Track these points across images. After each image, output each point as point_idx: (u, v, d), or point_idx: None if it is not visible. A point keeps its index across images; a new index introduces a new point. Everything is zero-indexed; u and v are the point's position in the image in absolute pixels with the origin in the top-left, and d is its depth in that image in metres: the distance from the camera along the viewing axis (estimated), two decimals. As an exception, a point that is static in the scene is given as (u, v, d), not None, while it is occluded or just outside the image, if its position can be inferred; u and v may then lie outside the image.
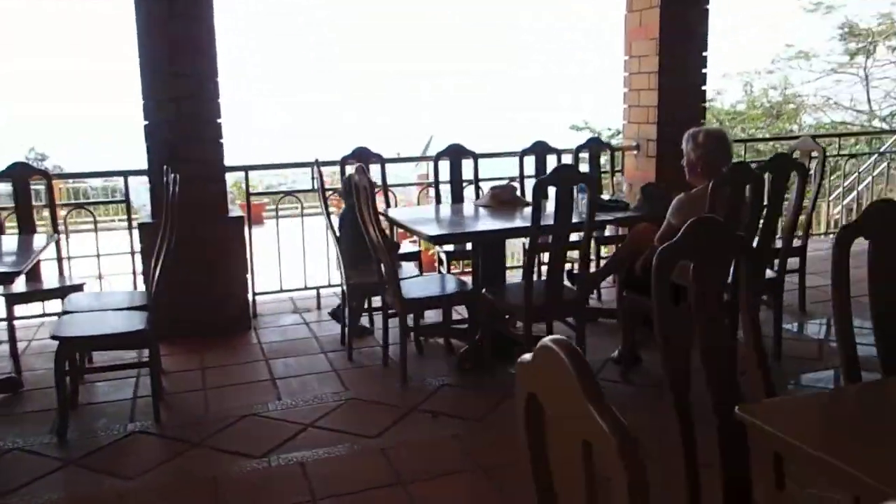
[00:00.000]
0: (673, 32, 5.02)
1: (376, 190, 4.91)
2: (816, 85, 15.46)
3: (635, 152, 5.38)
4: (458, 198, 4.86)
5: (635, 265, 3.48)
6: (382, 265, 3.63)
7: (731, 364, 1.69)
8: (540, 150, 5.01)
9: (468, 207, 4.46)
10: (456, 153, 4.83)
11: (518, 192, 4.46)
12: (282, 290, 5.08)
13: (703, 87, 5.20)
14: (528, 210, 4.03)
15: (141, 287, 4.37)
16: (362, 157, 4.72)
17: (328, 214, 4.08)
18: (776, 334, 3.80)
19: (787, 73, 15.77)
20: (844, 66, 15.47)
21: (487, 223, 3.94)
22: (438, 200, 4.82)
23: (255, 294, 4.80)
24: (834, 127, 14.83)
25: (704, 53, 5.14)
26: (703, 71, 5.17)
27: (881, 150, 8.40)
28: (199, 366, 3.96)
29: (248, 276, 4.65)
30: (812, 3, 15.28)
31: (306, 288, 5.08)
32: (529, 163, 5.06)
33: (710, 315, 1.68)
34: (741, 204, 3.17)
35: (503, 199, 4.21)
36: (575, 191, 3.72)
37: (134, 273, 4.60)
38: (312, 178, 4.93)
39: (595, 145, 5.26)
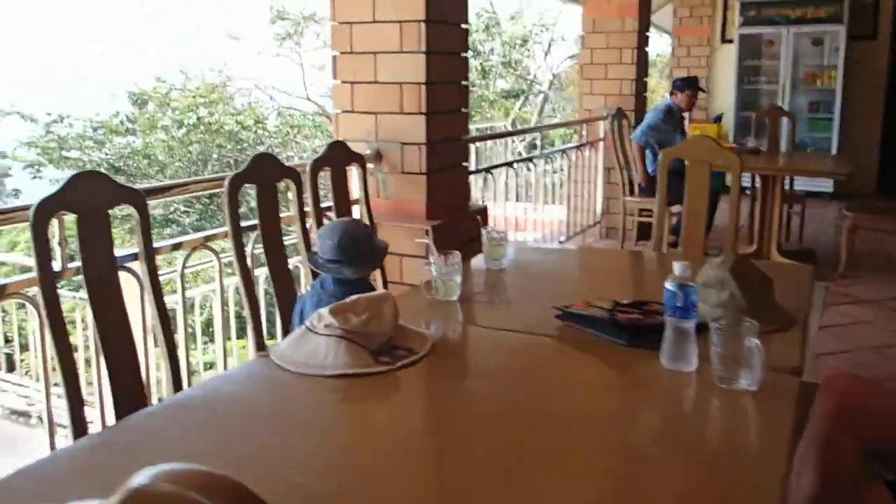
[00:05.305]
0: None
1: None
2: (255, 67, 14.39)
3: (371, 166, 3.01)
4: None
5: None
6: None
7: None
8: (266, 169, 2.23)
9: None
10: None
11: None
12: None
13: (465, 54, 3.15)
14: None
15: None
16: None
17: None
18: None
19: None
20: (277, 49, 14.86)
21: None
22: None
23: None
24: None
25: (465, -3, 3.09)
26: (464, 26, 3.12)
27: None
28: None
29: None
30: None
31: None
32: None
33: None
34: None
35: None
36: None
37: None
38: None
39: (341, 153, 2.70)
